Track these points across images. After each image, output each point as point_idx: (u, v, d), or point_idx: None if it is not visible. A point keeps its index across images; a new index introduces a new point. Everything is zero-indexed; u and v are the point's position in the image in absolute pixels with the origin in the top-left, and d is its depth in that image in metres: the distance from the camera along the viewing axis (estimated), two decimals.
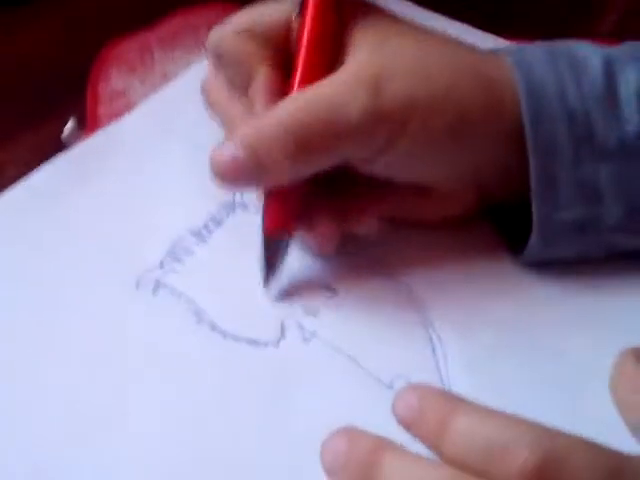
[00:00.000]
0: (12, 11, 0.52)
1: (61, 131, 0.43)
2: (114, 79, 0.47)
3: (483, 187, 0.37)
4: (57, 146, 0.42)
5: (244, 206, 0.39)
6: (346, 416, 0.26)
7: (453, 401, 0.25)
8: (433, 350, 0.34)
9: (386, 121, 0.33)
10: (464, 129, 0.34)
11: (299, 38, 0.34)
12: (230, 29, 0.36)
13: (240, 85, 0.36)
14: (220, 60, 0.37)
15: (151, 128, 0.43)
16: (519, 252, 0.36)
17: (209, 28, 0.50)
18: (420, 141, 0.33)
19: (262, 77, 0.35)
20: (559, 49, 0.35)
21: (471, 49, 0.36)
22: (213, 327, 0.34)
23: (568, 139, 0.33)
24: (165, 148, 0.42)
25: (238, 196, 0.39)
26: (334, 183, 0.36)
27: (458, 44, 0.35)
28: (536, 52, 0.35)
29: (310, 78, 0.34)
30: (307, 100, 0.33)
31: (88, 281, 0.36)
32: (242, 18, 0.36)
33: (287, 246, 0.35)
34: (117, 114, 0.44)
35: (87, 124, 0.44)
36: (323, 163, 0.33)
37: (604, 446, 0.23)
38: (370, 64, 0.33)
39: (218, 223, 0.38)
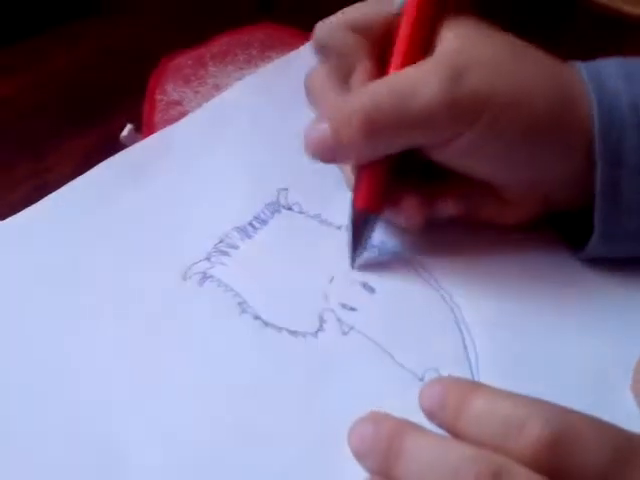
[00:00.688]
0: (76, 22, 0.55)
1: (115, 136, 0.45)
2: (170, 89, 0.49)
3: (549, 196, 0.37)
4: (110, 149, 0.43)
5: (288, 207, 0.40)
6: (379, 406, 0.27)
7: (471, 385, 0.26)
8: (465, 347, 0.34)
9: (457, 110, 0.33)
10: (534, 134, 0.34)
11: (398, 34, 0.36)
12: (336, 23, 0.38)
13: (342, 75, 0.37)
14: (324, 51, 0.38)
15: (201, 134, 0.45)
16: (576, 249, 0.37)
17: (258, 46, 0.53)
18: (489, 136, 0.34)
19: (362, 69, 0.36)
20: (633, 63, 0.36)
21: (551, 58, 0.36)
22: (255, 318, 0.35)
23: (637, 148, 0.34)
24: (214, 152, 0.43)
25: (282, 198, 0.41)
26: (421, 169, 0.37)
27: (541, 52, 0.36)
28: (609, 65, 0.36)
29: (402, 68, 0.35)
30: (384, 84, 0.34)
31: (138, 271, 0.37)
32: (347, 15, 0.38)
33: (375, 223, 0.37)
34: (171, 121, 0.45)
35: (143, 130, 0.46)
36: (394, 146, 0.35)
37: (613, 425, 0.24)
38: (453, 55, 0.34)
39: (263, 222, 0.39)
